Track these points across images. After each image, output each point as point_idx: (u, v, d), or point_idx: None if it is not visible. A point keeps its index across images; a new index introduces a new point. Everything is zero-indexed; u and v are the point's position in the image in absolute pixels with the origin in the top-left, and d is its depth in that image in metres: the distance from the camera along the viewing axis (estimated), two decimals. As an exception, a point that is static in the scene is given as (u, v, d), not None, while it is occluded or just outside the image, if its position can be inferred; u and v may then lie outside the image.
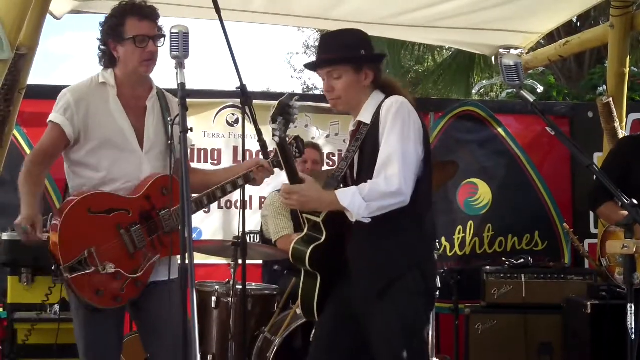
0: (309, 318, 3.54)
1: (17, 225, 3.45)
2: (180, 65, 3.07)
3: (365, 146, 3.33)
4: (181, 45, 3.04)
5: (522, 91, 3.15)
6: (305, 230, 3.39)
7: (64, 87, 3.71)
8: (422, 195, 3.29)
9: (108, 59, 3.69)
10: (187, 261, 2.84)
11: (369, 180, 3.21)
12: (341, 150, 6.87)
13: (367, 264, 3.31)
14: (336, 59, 3.40)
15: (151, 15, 3.64)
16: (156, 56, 3.67)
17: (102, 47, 3.69)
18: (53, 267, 3.48)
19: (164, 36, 3.65)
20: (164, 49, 3.56)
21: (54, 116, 3.60)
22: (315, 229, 3.34)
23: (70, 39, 39.68)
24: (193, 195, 3.76)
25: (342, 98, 3.41)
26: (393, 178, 3.14)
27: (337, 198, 3.16)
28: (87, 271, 3.43)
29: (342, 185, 3.36)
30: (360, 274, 3.31)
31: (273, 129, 3.14)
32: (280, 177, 6.70)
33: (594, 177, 3.87)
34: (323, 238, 3.31)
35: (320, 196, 3.24)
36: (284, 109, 3.13)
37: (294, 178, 3.29)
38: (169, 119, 3.59)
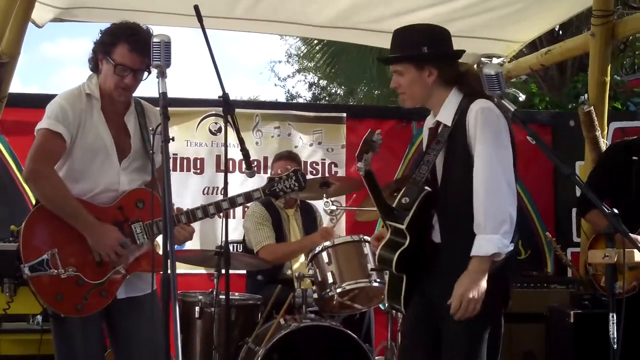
0: (396, 309, 3.68)
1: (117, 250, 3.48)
2: (161, 74, 3.05)
3: (450, 150, 3.34)
4: (162, 54, 3.01)
5: (502, 100, 3.13)
6: (389, 236, 3.39)
7: (47, 95, 3.67)
8: None
9: (94, 66, 3.70)
10: (169, 272, 2.81)
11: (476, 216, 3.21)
12: (324, 159, 6.87)
13: (455, 263, 3.30)
14: (397, 57, 3.46)
15: (143, 49, 3.48)
16: (133, 88, 3.66)
17: (92, 54, 3.70)
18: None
19: (150, 72, 3.62)
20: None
21: (52, 124, 3.53)
22: (398, 234, 3.35)
23: (63, 46, 39.24)
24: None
25: (407, 94, 3.46)
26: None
27: (483, 256, 3.17)
28: (47, 272, 3.42)
29: (426, 188, 3.33)
30: (446, 270, 3.32)
31: (359, 166, 3.24)
32: (246, 185, 6.62)
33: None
34: (407, 243, 3.32)
35: (475, 276, 3.19)
36: (369, 144, 3.23)
37: (383, 206, 3.35)
38: (150, 128, 3.59)
